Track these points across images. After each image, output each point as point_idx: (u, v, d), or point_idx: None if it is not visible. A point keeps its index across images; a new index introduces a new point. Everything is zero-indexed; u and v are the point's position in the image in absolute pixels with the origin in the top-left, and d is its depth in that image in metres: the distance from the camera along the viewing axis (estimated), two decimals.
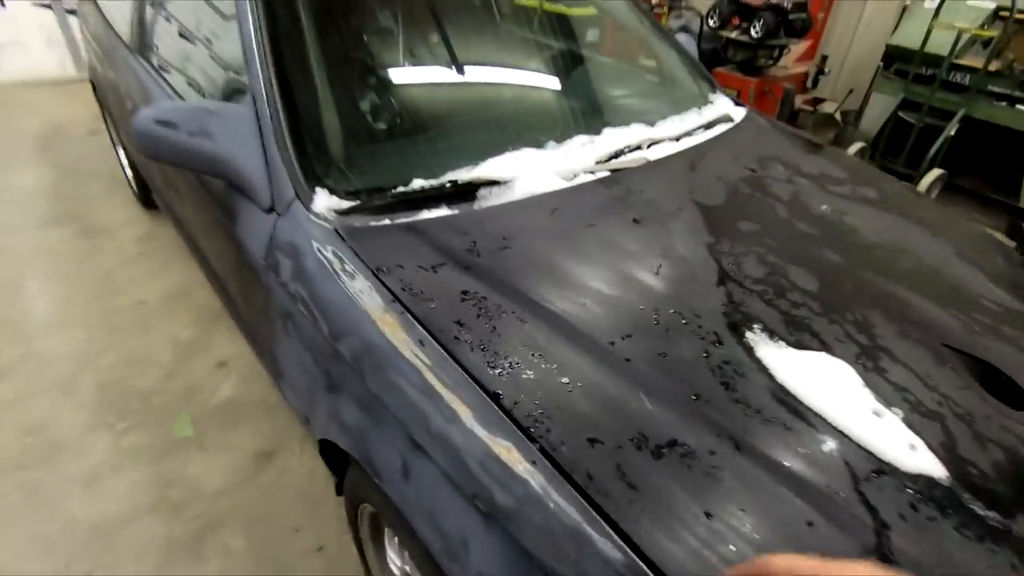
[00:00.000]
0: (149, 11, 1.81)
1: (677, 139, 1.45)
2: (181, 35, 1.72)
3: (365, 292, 0.94)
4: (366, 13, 1.38)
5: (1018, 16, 2.80)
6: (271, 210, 1.12)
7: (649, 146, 1.38)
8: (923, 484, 0.76)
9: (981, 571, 0.69)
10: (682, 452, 0.74)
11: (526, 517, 0.70)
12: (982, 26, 2.97)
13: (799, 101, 3.86)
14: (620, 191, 1.20)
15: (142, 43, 1.81)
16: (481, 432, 0.76)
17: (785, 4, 3.34)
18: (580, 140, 1.33)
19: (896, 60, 3.35)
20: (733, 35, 3.51)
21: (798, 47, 3.73)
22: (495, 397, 0.79)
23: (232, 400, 1.82)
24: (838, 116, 3.69)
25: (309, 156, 1.12)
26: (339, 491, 1.29)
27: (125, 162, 2.85)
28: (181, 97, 1.53)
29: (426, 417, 0.81)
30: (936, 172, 3.08)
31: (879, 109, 3.41)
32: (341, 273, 0.97)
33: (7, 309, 2.13)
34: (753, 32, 3.39)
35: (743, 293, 1.00)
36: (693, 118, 1.57)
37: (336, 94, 1.24)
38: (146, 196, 2.68)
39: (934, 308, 1.06)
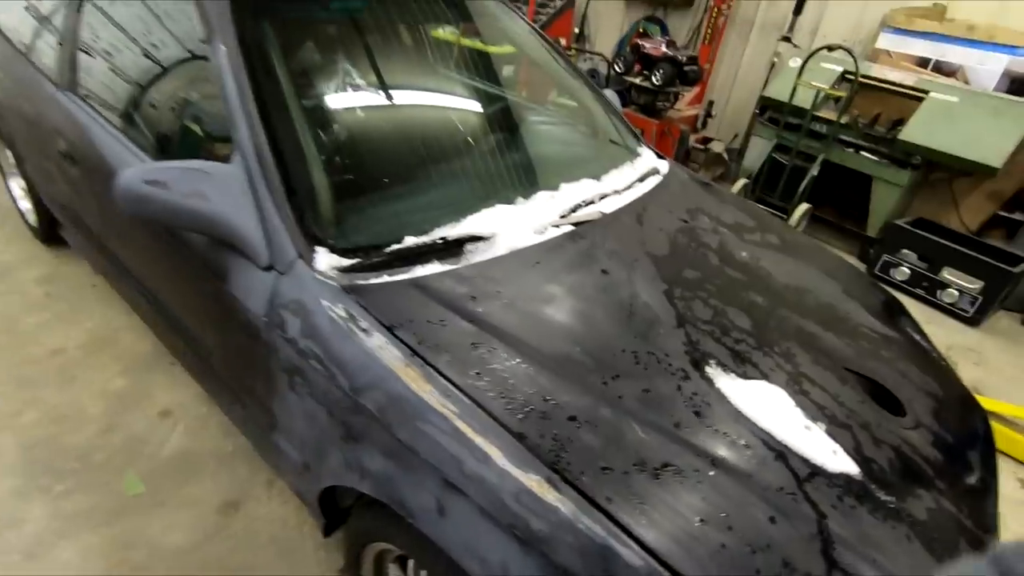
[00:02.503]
0: (78, 48, 1.73)
1: (621, 192, 1.66)
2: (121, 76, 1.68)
3: (383, 348, 1.02)
4: (342, 79, 1.46)
5: (860, 80, 3.42)
6: (269, 268, 1.16)
7: (601, 199, 1.58)
8: (844, 480, 1.00)
9: (890, 543, 0.93)
10: (674, 471, 0.92)
11: (560, 539, 0.84)
12: (833, 86, 3.59)
13: (691, 140, 4.36)
14: (587, 245, 1.37)
15: (74, 81, 1.71)
16: (514, 470, 0.88)
17: (680, 57, 3.79)
18: (543, 196, 1.50)
19: (769, 109, 3.92)
20: (637, 80, 3.91)
21: (690, 93, 4.22)
22: (520, 438, 0.92)
23: (183, 451, 1.76)
24: (725, 155, 4.22)
25: (304, 215, 1.18)
26: (327, 533, 1.33)
27: (19, 193, 2.60)
28: (138, 147, 1.49)
29: (459, 460, 0.91)
30: (804, 206, 3.65)
31: (758, 151, 3.95)
32: (357, 331, 1.05)
33: None
34: (654, 79, 3.81)
35: (698, 333, 1.21)
36: (629, 171, 1.80)
37: (322, 154, 1.31)
38: (49, 231, 2.45)
39: (832, 337, 1.34)
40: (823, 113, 3.64)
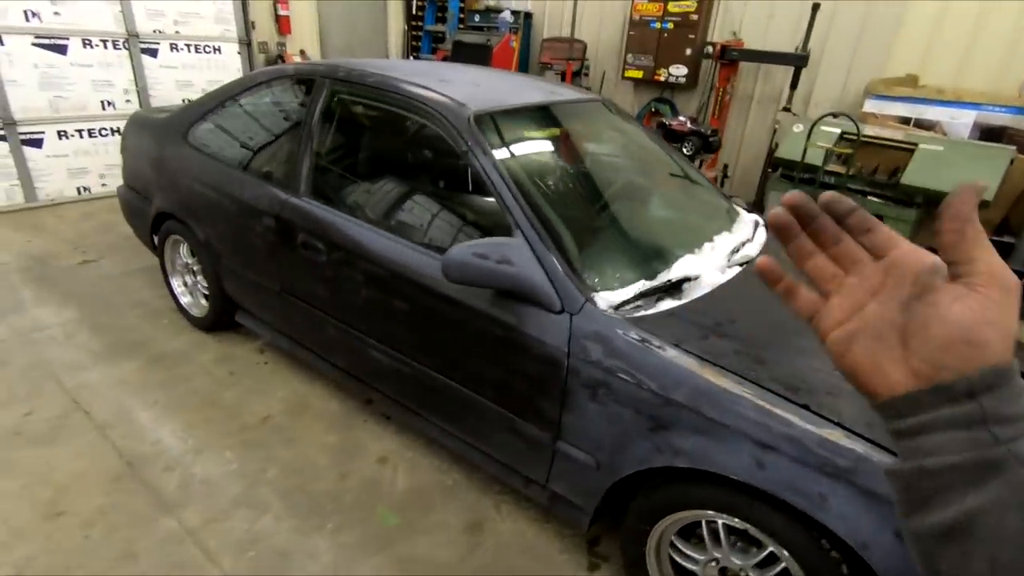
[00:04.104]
0: (311, 163, 2.16)
1: (752, 239, 2.12)
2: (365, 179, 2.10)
3: (679, 357, 1.41)
4: (560, 172, 1.92)
5: (862, 139, 4.10)
6: (561, 311, 1.55)
7: (742, 244, 2.03)
8: None
9: None
10: None
11: (861, 469, 1.20)
12: (835, 145, 4.26)
13: None
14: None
15: (314, 189, 2.12)
16: (812, 428, 1.26)
17: (703, 130, 4.44)
18: (709, 245, 1.95)
19: (782, 167, 4.57)
20: None
21: (709, 159, 4.87)
22: (806, 407, 1.30)
23: (412, 488, 2.04)
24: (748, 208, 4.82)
25: (578, 273, 1.59)
26: (588, 528, 1.65)
27: (180, 290, 2.93)
28: (393, 233, 1.89)
29: (767, 426, 1.28)
30: None
31: (776, 203, 4.55)
32: (653, 347, 1.43)
33: (133, 443, 2.14)
34: (685, 151, 4.43)
35: None
36: (745, 225, 2.28)
37: (571, 229, 1.73)
38: (218, 319, 2.77)
39: None
40: (831, 167, 4.29)
